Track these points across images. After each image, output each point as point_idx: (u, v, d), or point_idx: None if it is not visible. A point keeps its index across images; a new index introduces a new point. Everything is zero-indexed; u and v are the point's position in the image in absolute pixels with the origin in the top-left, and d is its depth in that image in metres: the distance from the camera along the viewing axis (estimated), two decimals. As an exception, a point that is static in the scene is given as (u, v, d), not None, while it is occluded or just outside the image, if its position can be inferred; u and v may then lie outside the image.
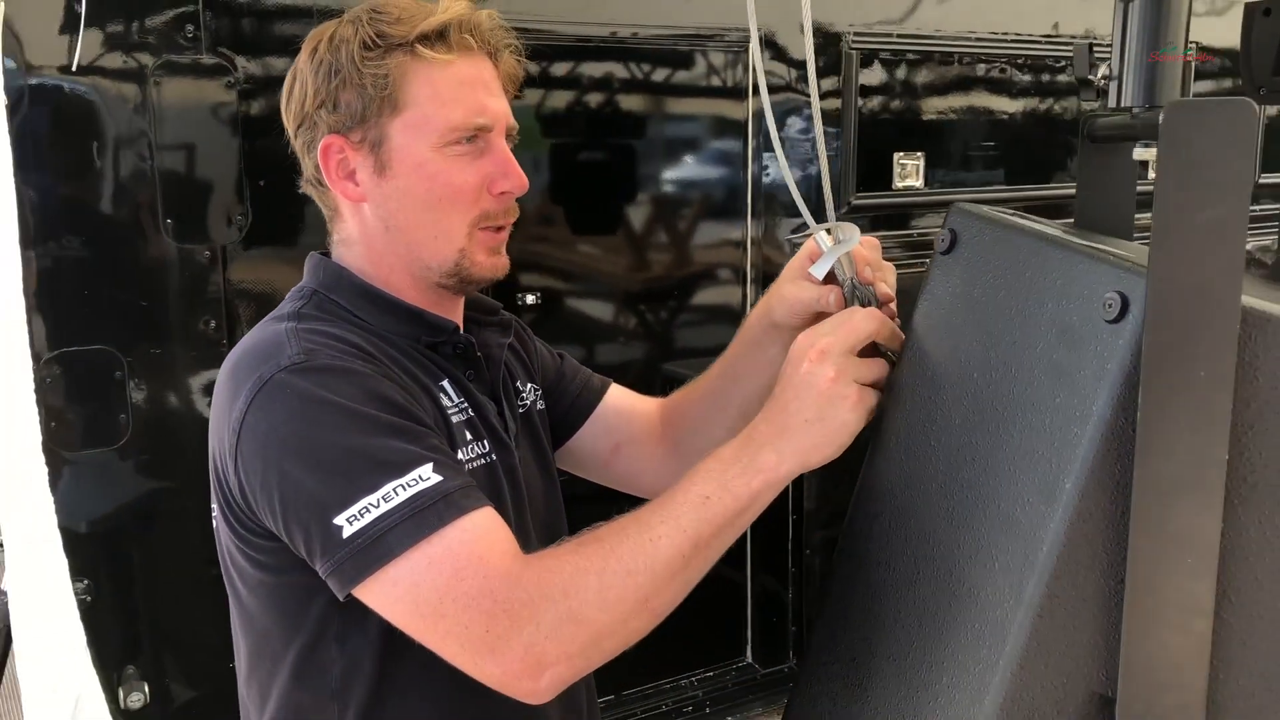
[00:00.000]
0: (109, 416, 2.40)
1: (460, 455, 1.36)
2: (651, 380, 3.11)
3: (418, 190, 1.38)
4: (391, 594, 1.18)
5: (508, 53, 1.44)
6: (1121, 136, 1.24)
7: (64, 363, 2.34)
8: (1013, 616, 1.04)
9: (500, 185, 1.40)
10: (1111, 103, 1.21)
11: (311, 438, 1.22)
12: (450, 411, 1.40)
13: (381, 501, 1.17)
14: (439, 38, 1.37)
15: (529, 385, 1.62)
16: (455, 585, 1.16)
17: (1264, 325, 0.99)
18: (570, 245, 3.04)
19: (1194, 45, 3.73)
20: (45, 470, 2.30)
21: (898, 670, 1.20)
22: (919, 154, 3.38)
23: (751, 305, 3.09)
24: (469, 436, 1.40)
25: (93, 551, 2.41)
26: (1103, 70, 1.20)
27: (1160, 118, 0.92)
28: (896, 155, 3.36)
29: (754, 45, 1.29)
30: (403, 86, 1.35)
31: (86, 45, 2.29)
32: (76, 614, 2.36)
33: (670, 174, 3.16)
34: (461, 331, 1.48)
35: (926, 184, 3.40)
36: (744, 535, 3.30)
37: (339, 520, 1.17)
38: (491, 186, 1.40)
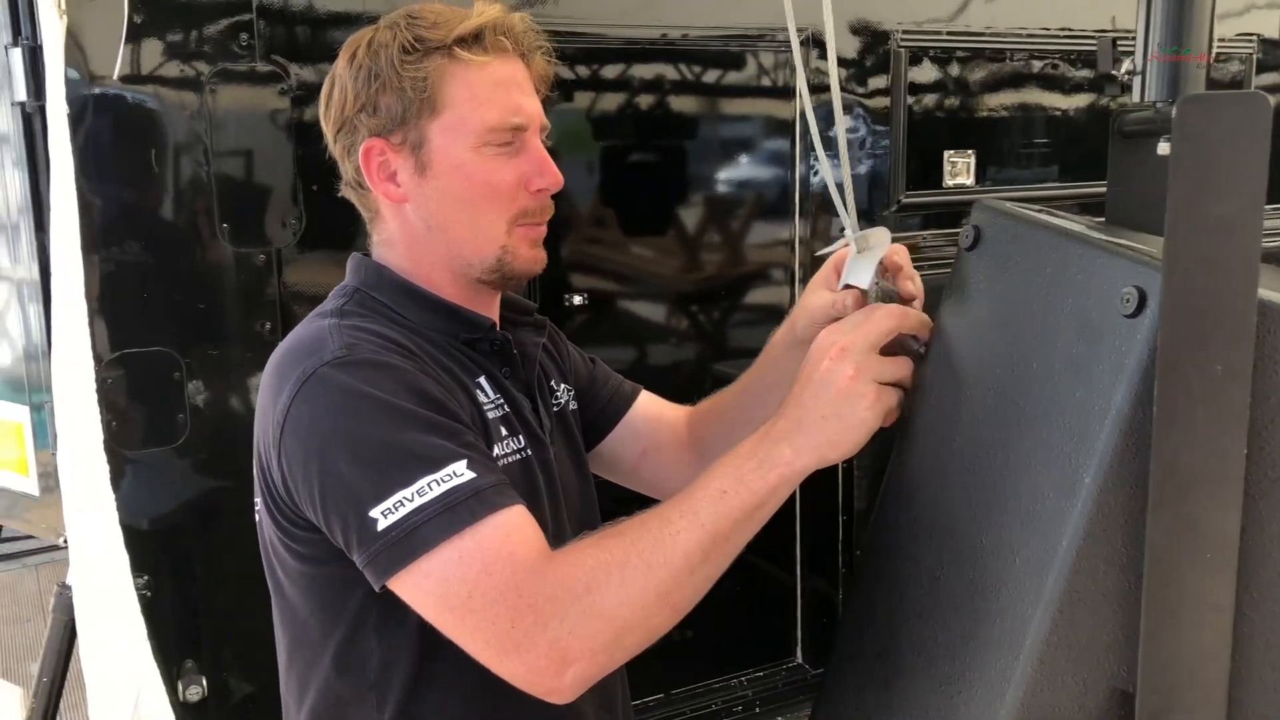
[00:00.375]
0: (168, 416, 2.46)
1: (496, 450, 1.38)
2: (700, 380, 3.12)
3: (457, 189, 1.41)
4: (423, 586, 1.20)
5: (539, 54, 1.46)
6: (1147, 131, 1.23)
7: (124, 364, 2.39)
8: (1033, 612, 1.04)
9: (537, 183, 1.42)
10: (1136, 98, 1.20)
11: (351, 431, 1.25)
12: (486, 407, 1.42)
13: (416, 495, 1.19)
14: (475, 40, 1.39)
15: (562, 385, 1.64)
16: (483, 580, 1.17)
17: None
18: (618, 246, 3.06)
19: (1257, 37, 3.64)
20: (107, 469, 2.35)
21: (922, 665, 1.20)
22: (970, 152, 3.35)
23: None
24: (505, 432, 1.42)
25: (153, 548, 2.46)
26: (1126, 65, 1.19)
27: (1173, 112, 0.92)
28: (947, 153, 3.33)
29: (794, 44, 1.30)
30: (441, 89, 1.38)
31: (146, 55, 2.36)
32: (137, 609, 2.40)
33: (718, 174, 3.17)
34: (498, 329, 1.51)
35: (978, 182, 3.37)
36: (794, 536, 3.31)
37: (375, 513, 1.20)
38: (528, 184, 1.42)
